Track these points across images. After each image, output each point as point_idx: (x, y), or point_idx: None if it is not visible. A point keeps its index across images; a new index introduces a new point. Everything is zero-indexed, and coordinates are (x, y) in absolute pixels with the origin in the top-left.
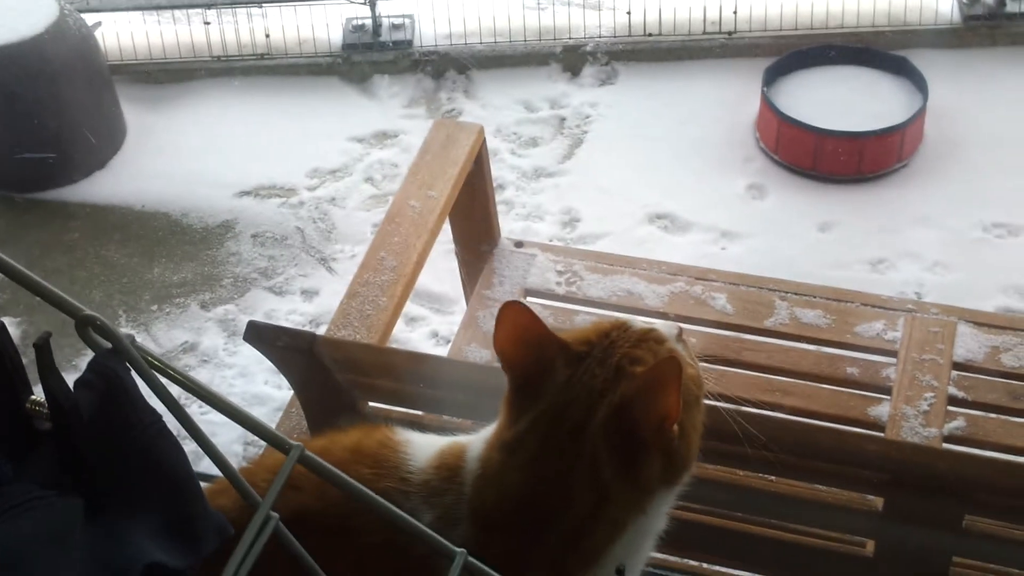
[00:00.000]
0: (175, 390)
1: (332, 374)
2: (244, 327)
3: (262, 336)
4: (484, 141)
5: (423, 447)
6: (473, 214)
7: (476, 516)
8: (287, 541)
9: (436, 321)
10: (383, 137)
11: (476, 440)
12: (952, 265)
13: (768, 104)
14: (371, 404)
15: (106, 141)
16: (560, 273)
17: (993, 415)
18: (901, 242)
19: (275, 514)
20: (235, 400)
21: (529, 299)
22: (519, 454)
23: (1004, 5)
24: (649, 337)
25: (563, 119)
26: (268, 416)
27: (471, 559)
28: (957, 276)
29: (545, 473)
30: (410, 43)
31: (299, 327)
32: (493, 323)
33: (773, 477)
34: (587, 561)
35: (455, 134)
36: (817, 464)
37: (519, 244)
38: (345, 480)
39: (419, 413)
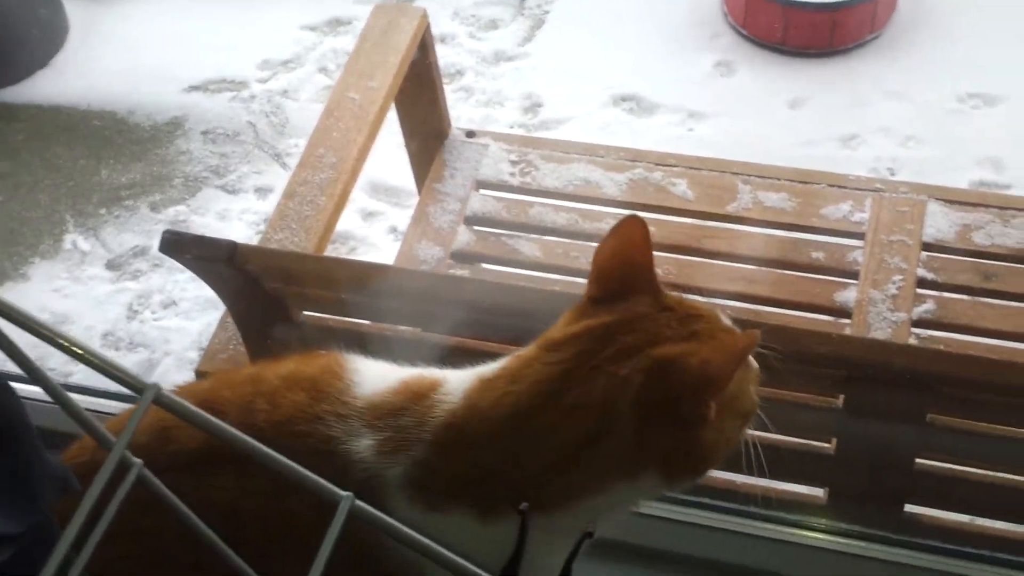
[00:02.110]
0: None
1: (260, 283)
2: (197, 228)
3: (176, 247)
4: (428, 26)
5: (376, 374)
6: (420, 104)
7: (445, 432)
8: (152, 486)
9: (394, 215)
10: (336, 24)
11: (456, 376)
12: (926, 139)
13: None
14: (305, 313)
15: (48, 38)
16: (514, 163)
17: (964, 296)
18: (873, 117)
19: (137, 460)
20: (188, 306)
21: (482, 191)
22: (557, 352)
23: None
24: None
25: None
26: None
27: (359, 503)
28: (931, 150)
29: (569, 380)
30: None
31: (254, 225)
32: (444, 218)
33: None
34: (555, 501)
35: (396, 19)
36: (771, 363)
37: (471, 134)
38: (207, 420)
39: (355, 321)
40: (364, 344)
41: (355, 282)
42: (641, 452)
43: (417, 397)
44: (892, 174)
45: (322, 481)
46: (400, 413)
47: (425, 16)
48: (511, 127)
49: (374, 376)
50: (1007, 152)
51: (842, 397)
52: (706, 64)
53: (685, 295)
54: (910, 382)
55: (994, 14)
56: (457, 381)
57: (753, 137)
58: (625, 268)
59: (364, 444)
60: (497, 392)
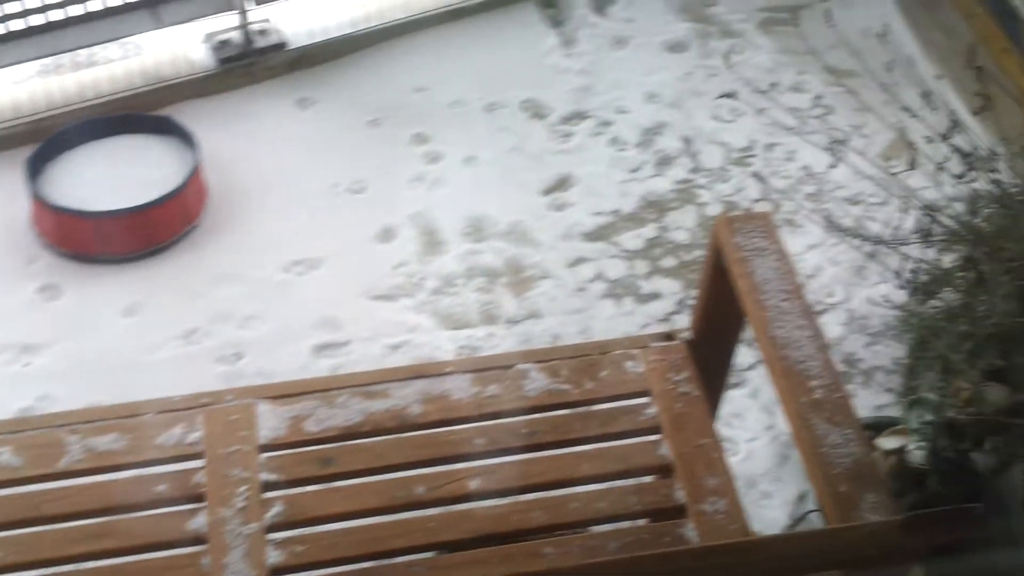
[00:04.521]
0: None
1: None
2: None
3: None
4: None
5: None
6: None
7: None
8: None
9: None
10: None
11: None
12: (264, 315)
13: (38, 197)
14: None
15: None
16: None
17: (309, 487)
18: (211, 305)
19: None
20: None
21: None
22: None
23: (252, 42)
24: None
25: None
26: None
27: None
28: (272, 325)
29: None
30: None
31: None
32: None
33: None
34: None
35: None
36: None
37: None
38: None
39: None
40: None
41: None
42: None
43: None
44: (239, 358)
45: None
46: None
47: None
48: None
49: None
50: (339, 310)
51: None
52: (29, 291)
53: None
54: None
55: (298, 186)
56: None
57: (96, 356)
58: None
59: None
60: None
